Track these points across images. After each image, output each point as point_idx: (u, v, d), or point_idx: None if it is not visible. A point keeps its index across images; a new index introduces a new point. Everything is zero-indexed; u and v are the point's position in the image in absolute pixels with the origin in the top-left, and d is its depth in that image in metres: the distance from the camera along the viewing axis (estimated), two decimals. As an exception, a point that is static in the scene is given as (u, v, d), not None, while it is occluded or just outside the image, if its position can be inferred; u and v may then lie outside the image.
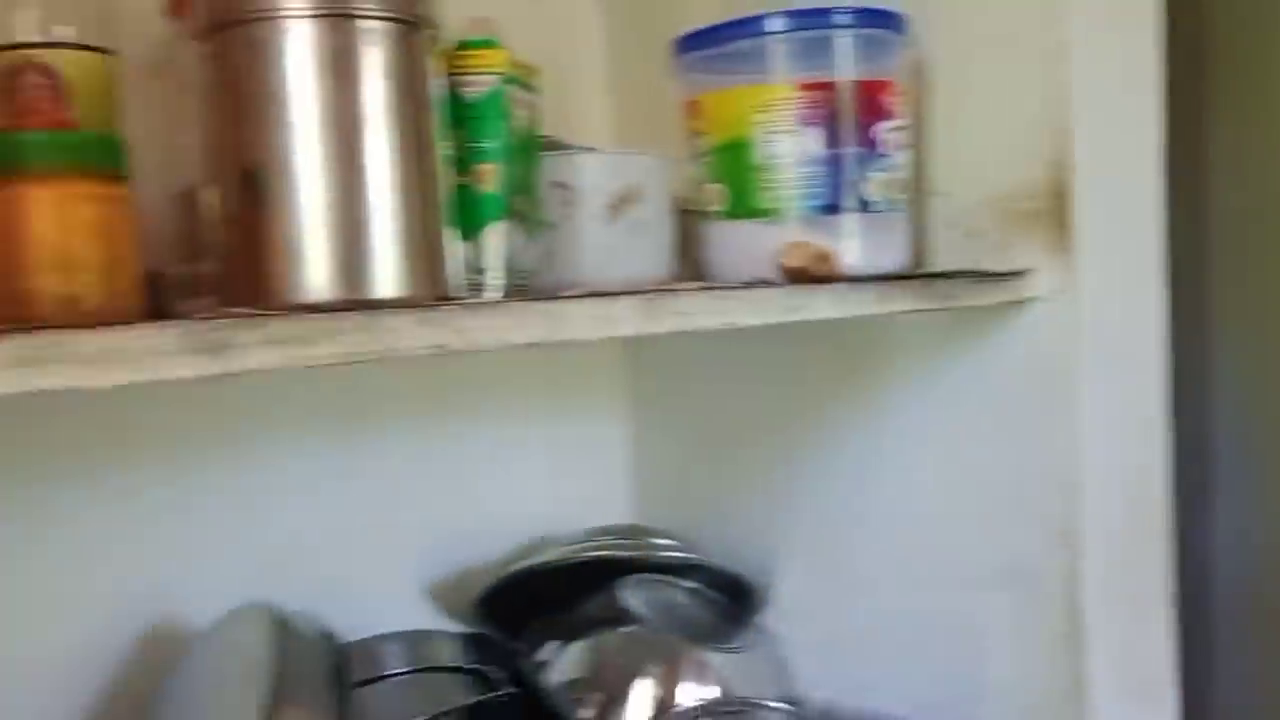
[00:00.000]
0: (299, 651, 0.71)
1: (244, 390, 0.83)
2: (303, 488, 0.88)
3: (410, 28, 0.56)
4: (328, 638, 0.73)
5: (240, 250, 0.56)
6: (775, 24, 0.72)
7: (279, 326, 0.50)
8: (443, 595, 0.97)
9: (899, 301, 0.71)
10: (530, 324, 0.58)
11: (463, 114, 0.63)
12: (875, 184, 0.73)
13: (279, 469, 0.87)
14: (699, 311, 0.65)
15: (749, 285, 0.70)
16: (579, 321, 0.61)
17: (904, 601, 0.85)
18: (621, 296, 0.63)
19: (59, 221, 0.49)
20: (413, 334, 0.54)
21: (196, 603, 0.81)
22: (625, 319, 0.63)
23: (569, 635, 0.87)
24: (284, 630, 0.72)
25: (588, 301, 0.62)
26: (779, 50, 0.72)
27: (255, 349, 0.49)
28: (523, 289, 0.67)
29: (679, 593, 0.92)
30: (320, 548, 0.88)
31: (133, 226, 0.52)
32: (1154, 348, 0.80)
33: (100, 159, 0.51)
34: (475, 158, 0.64)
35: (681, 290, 0.67)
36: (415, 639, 0.87)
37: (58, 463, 0.77)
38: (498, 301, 0.62)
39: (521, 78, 0.67)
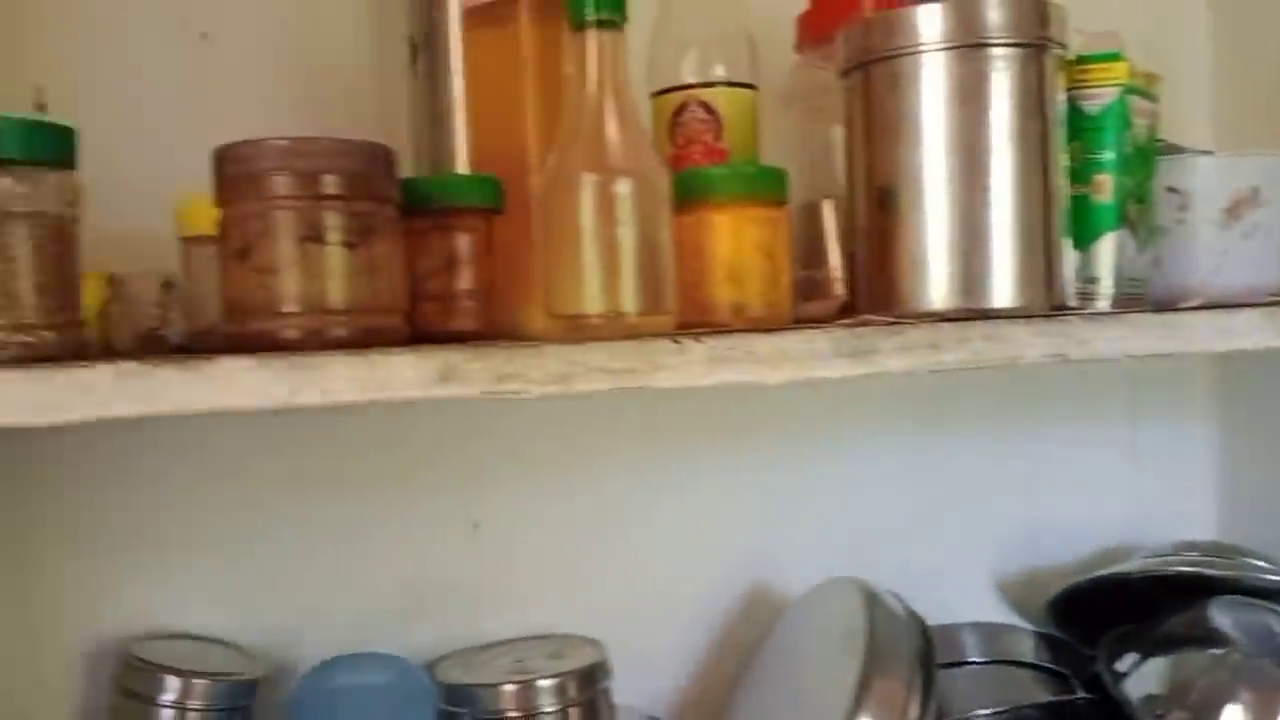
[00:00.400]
0: (890, 627, 0.77)
1: (846, 386, 0.91)
2: (892, 477, 0.94)
3: (1038, 50, 0.59)
4: (915, 617, 0.78)
5: (871, 261, 0.62)
6: None
7: (913, 334, 0.55)
8: (1011, 592, 0.98)
9: None
10: (1149, 335, 0.59)
11: (1081, 126, 0.64)
12: None
13: (872, 459, 0.94)
14: (1335, 325, 0.61)
15: (1394, 297, 0.64)
16: (1199, 333, 0.60)
17: None
18: (1244, 309, 0.61)
19: (733, 241, 0.58)
20: (1031, 343, 0.57)
21: (791, 569, 0.91)
22: (1248, 332, 0.61)
23: (1151, 649, 0.85)
24: (876, 605, 0.79)
25: (1207, 313, 0.61)
26: None
27: (892, 354, 0.55)
28: (1134, 297, 0.67)
29: (1278, 620, 0.86)
30: (902, 533, 0.94)
31: (788, 244, 0.60)
32: None
33: (767, 188, 0.60)
34: (1093, 168, 0.65)
35: (1313, 301, 0.63)
36: (992, 631, 0.90)
37: (696, 438, 0.90)
38: (1116, 312, 0.62)
39: (1142, 87, 0.67)
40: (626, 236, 0.53)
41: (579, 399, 0.49)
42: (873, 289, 0.62)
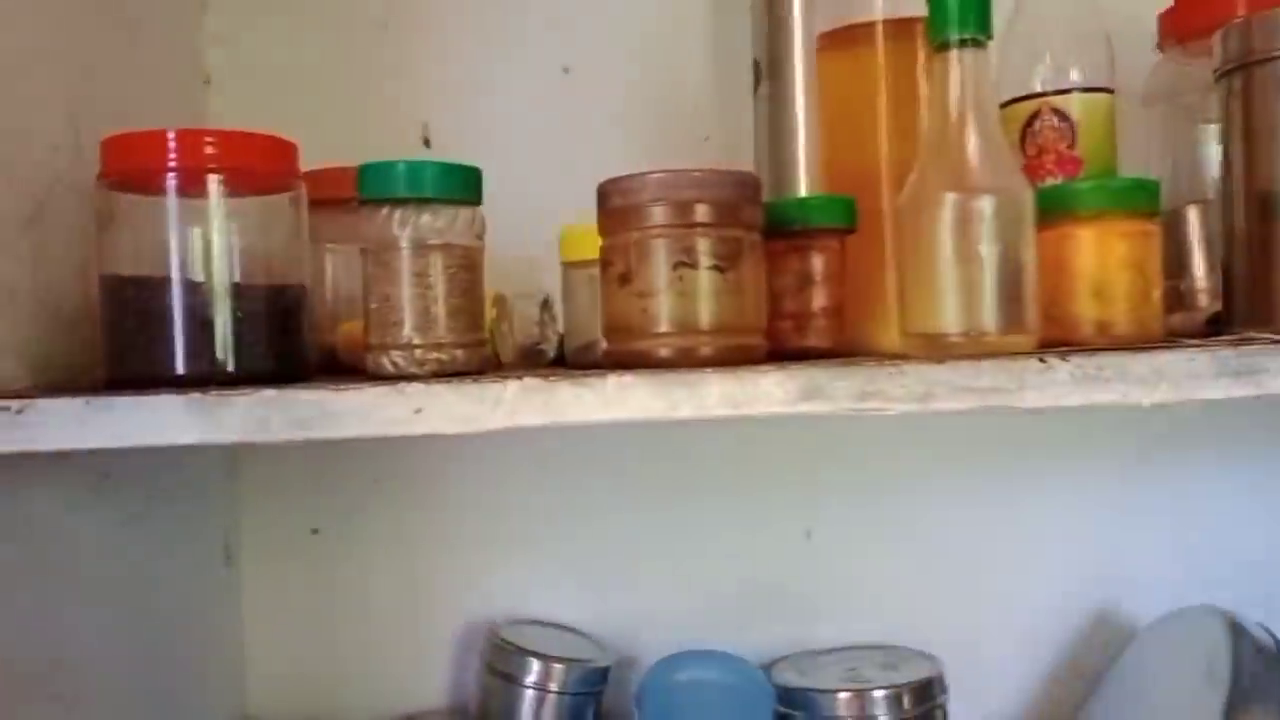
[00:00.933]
0: (1258, 661, 0.72)
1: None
2: (1255, 499, 0.88)
3: None
4: (1288, 652, 0.73)
5: (1252, 273, 0.58)
6: None
7: (1304, 352, 0.52)
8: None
9: None
10: None
11: None
12: None
13: (1232, 478, 0.88)
14: None
15: None
16: None
17: None
18: None
19: (1099, 257, 0.57)
20: None
21: (1140, 594, 0.86)
22: None
23: None
24: (1241, 637, 0.73)
25: None
26: None
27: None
28: None
29: None
30: (1267, 561, 0.87)
31: (1158, 259, 0.58)
32: None
33: (1136, 200, 0.57)
34: None
35: None
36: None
37: (1037, 453, 0.88)
38: None
39: None
40: (988, 255, 0.53)
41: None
42: (1253, 302, 0.58)
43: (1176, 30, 0.72)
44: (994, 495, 0.88)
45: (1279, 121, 0.56)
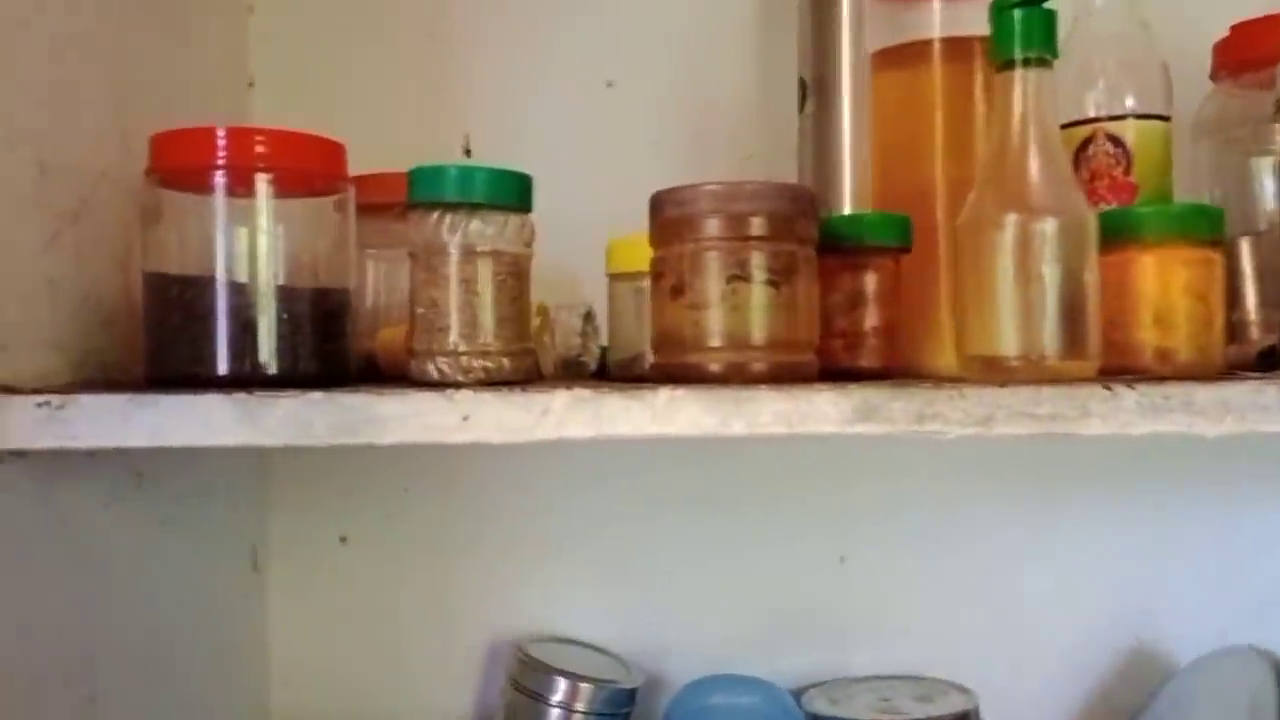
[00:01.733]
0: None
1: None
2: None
3: None
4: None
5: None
6: None
7: (1376, 387, 0.50)
8: None
9: None
10: None
11: None
12: None
13: (1268, 520, 0.86)
14: None
15: None
16: None
17: None
18: None
19: (1161, 283, 0.55)
20: None
21: (1180, 631, 0.85)
22: None
23: None
24: (1286, 679, 0.72)
25: None
26: None
27: (1349, 408, 0.50)
28: None
29: None
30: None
31: (1222, 287, 0.56)
32: None
33: (1200, 227, 0.56)
34: None
35: None
36: None
37: (1079, 482, 0.86)
38: None
39: None
40: (1049, 277, 0.52)
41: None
42: (1316, 335, 0.57)
43: (1231, 62, 0.71)
44: (1032, 525, 0.86)
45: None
